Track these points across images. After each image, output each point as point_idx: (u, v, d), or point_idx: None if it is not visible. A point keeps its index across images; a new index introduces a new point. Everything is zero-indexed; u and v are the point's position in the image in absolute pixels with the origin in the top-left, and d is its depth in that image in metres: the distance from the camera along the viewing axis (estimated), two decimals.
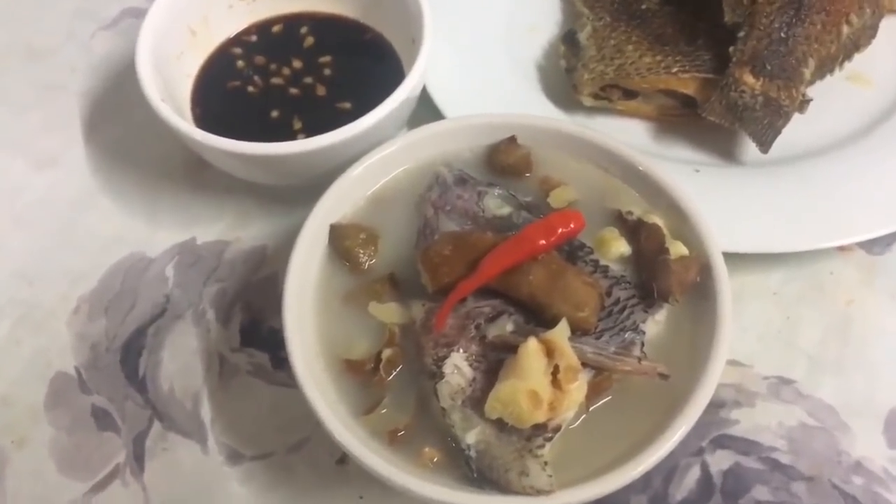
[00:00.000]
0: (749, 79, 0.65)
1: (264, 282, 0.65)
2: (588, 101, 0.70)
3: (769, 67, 0.65)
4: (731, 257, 0.60)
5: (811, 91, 0.68)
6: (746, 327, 0.62)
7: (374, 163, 0.60)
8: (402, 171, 0.61)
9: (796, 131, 0.67)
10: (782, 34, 0.65)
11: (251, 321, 0.64)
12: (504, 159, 0.60)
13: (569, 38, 0.73)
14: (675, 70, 0.67)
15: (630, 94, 0.70)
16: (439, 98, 0.69)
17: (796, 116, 0.67)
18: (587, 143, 0.60)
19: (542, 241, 0.51)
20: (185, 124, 0.61)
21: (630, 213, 0.57)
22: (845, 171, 0.66)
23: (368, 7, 0.73)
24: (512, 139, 0.60)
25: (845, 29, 0.67)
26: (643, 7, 0.74)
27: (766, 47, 0.65)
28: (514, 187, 0.59)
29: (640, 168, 0.58)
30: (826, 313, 0.62)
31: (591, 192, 0.59)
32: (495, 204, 0.58)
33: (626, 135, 0.70)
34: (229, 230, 0.69)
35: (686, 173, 0.66)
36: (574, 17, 0.75)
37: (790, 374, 0.60)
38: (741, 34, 0.66)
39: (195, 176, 0.71)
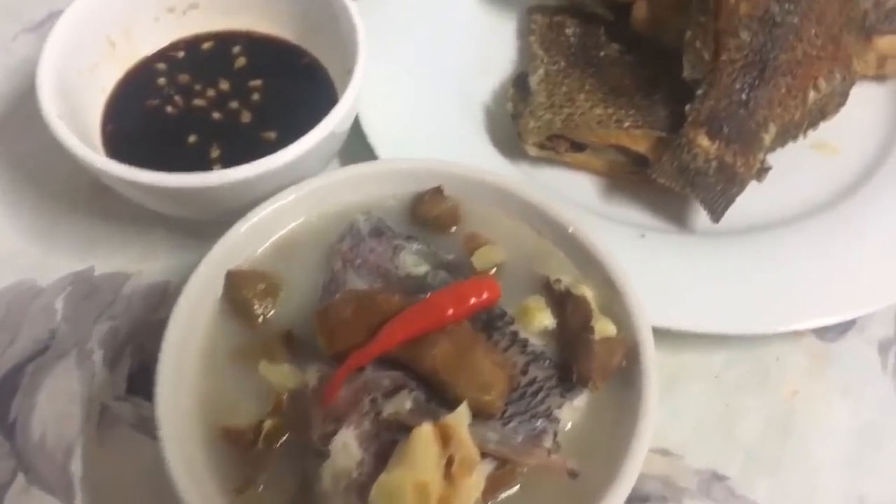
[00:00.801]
0: (704, 141, 0.60)
1: (161, 323, 0.59)
2: (533, 151, 0.65)
3: (726, 130, 0.60)
4: (671, 333, 0.56)
5: (771, 158, 0.64)
6: (681, 413, 0.56)
7: (284, 204, 0.54)
8: (316, 216, 0.55)
9: (753, 200, 0.62)
10: (743, 96, 0.61)
11: (141, 366, 0.58)
12: (427, 211, 0.54)
13: (519, 82, 0.68)
14: (626, 125, 0.62)
15: (578, 147, 0.64)
16: (372, 135, 0.64)
17: (753, 184, 0.62)
18: (519, 200, 0.54)
19: (451, 311, 0.46)
20: (80, 146, 0.55)
21: (558, 281, 0.52)
22: (803, 248, 0.60)
23: (307, 29, 0.67)
24: (437, 190, 0.55)
25: (812, 94, 0.63)
26: (602, 54, 0.69)
27: (724, 108, 0.60)
28: (436, 242, 0.54)
29: (573, 232, 0.53)
30: (768, 403, 0.57)
31: (519, 253, 0.54)
32: (412, 261, 0.52)
33: (572, 189, 0.65)
34: (132, 262, 0.63)
35: (631, 237, 0.61)
36: (529, 58, 0.70)
37: (724, 469, 0.54)
38: (699, 92, 0.61)
39: (100, 199, 0.65)
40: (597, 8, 0.70)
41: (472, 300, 0.46)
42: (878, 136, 0.68)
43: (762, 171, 0.63)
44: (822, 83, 0.63)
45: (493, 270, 0.53)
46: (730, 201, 0.60)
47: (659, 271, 0.59)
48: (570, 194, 0.64)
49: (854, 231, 0.61)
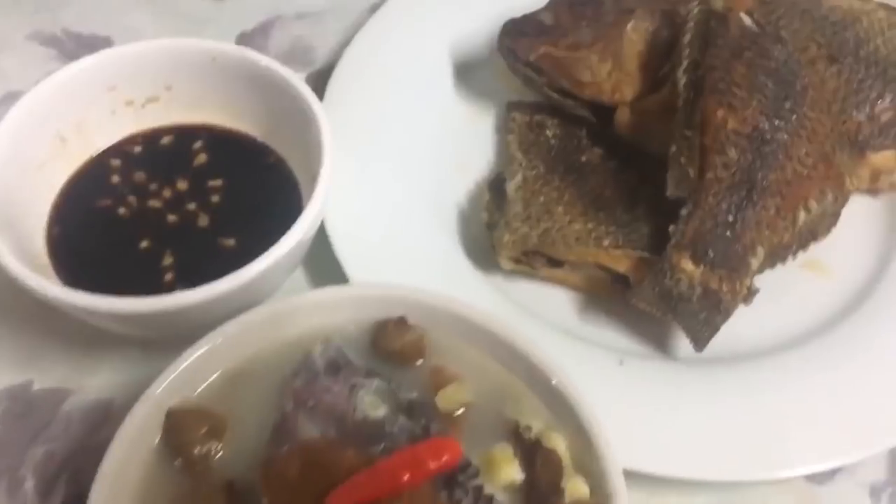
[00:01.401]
0: (688, 266, 0.56)
1: (101, 447, 0.54)
2: (507, 265, 0.61)
3: (712, 254, 0.57)
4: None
5: (760, 278, 0.60)
6: None
7: (237, 331, 0.50)
8: (270, 343, 0.51)
9: (739, 324, 0.59)
10: (730, 217, 0.57)
11: (77, 497, 0.53)
12: (389, 343, 0.50)
13: (496, 186, 0.65)
14: (606, 243, 0.59)
15: (555, 262, 0.61)
16: (339, 243, 0.60)
17: (741, 307, 0.59)
18: (489, 334, 0.50)
19: (407, 477, 0.42)
20: (15, 264, 0.51)
21: (528, 428, 0.48)
22: (791, 382, 0.57)
23: (273, 126, 0.64)
24: (401, 321, 0.51)
25: (802, 216, 0.59)
26: (583, 159, 0.66)
27: (709, 231, 0.57)
28: (399, 376, 0.49)
29: (545, 373, 0.49)
30: None
31: (489, 393, 0.50)
32: (370, 402, 0.48)
33: (548, 306, 0.61)
34: (73, 375, 0.58)
35: (609, 365, 0.57)
36: (507, 160, 0.67)
37: None
38: (684, 212, 0.58)
39: (43, 307, 0.60)
40: (579, 110, 0.67)
41: (430, 464, 0.42)
42: (871, 254, 0.65)
43: (749, 295, 0.59)
44: (812, 204, 0.59)
45: (460, 411, 0.49)
46: (714, 330, 0.57)
47: (637, 404, 0.55)
48: (545, 312, 0.61)
49: (846, 364, 0.58)
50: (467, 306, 0.52)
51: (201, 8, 0.82)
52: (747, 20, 0.62)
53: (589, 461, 0.46)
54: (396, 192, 0.65)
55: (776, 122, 0.59)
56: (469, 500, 0.45)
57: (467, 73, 0.74)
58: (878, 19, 0.68)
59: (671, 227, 0.58)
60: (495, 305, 0.60)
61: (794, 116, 0.60)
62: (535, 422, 0.48)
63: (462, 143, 0.70)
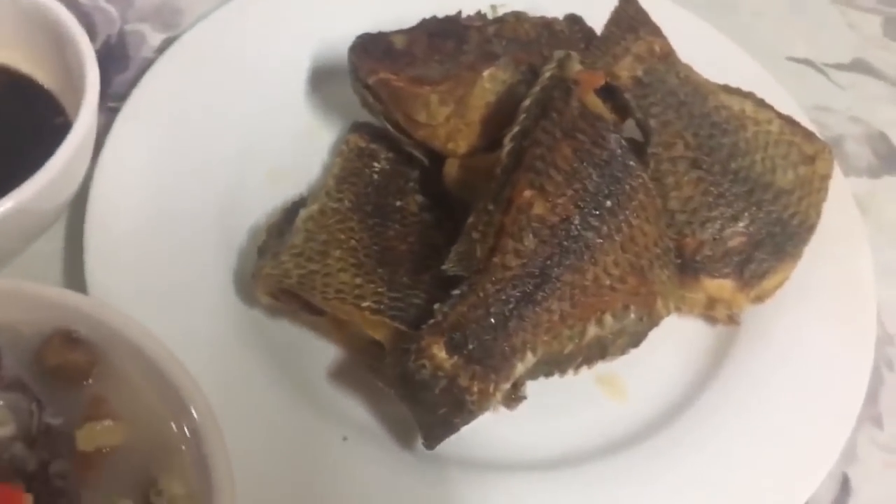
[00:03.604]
0: (440, 353, 0.49)
1: None
2: (264, 300, 0.55)
3: (471, 347, 0.50)
4: None
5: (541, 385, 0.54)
6: None
7: None
8: None
9: (507, 429, 0.53)
10: (506, 311, 0.50)
11: None
12: (50, 358, 0.44)
13: (289, 212, 0.58)
14: (365, 305, 0.52)
15: (317, 310, 0.55)
16: (90, 236, 0.55)
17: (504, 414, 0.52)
18: (164, 377, 0.44)
19: None
20: None
21: (160, 492, 0.42)
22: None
23: (67, 80, 0.57)
24: (67, 335, 0.45)
25: (593, 329, 0.52)
26: (398, 203, 0.59)
27: (476, 320, 0.50)
28: (55, 397, 0.44)
29: (204, 436, 0.43)
30: None
31: (143, 440, 0.43)
32: None
33: (302, 358, 0.55)
34: None
35: (331, 437, 0.51)
36: (319, 184, 0.61)
37: None
38: (456, 292, 0.51)
39: None
40: (413, 149, 0.61)
41: None
42: (675, 387, 0.58)
43: (514, 401, 0.53)
44: (607, 319, 0.52)
45: (105, 451, 0.43)
46: (451, 430, 0.50)
47: (334, 486, 0.49)
48: (295, 360, 0.55)
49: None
50: (153, 339, 0.45)
51: None
52: (592, 99, 0.54)
53: None
54: (181, 189, 0.59)
55: (589, 220, 0.52)
56: None
57: (330, 80, 0.67)
58: (766, 132, 0.61)
59: (436, 306, 0.51)
60: (237, 339, 0.54)
61: (613, 218, 0.53)
62: (177, 486, 0.42)
63: (292, 154, 0.64)
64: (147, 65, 0.66)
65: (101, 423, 0.43)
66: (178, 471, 0.43)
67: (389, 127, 0.60)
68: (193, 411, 0.43)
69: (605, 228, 0.52)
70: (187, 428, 0.44)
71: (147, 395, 0.45)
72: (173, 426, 0.44)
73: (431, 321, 0.50)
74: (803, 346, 0.59)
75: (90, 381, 0.45)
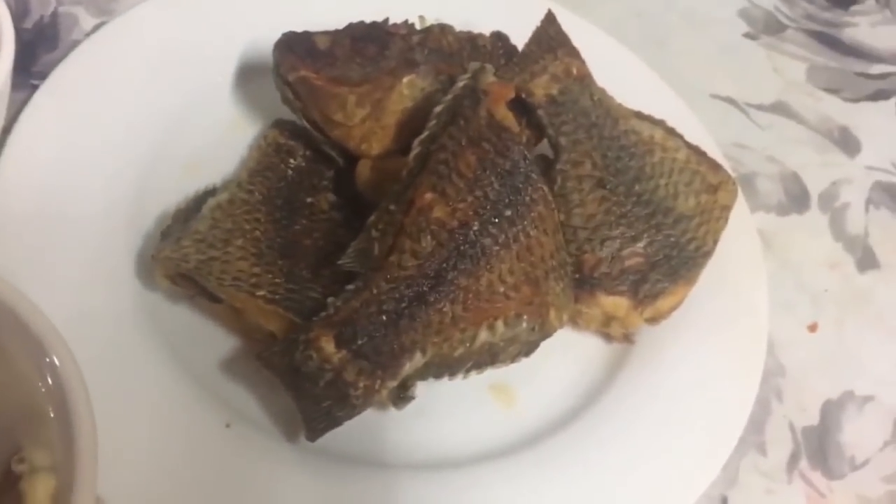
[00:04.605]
0: (328, 346, 0.50)
1: None
2: (162, 283, 0.55)
3: (360, 342, 0.50)
4: None
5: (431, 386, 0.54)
6: None
7: None
8: None
9: (393, 428, 0.54)
10: (398, 309, 0.51)
11: None
12: None
13: (199, 199, 0.59)
14: (260, 293, 0.53)
15: (215, 297, 0.55)
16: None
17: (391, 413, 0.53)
18: (35, 340, 0.44)
19: None
20: None
21: (21, 460, 0.41)
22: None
23: None
24: None
25: (484, 335, 0.53)
26: (308, 200, 0.60)
27: (367, 317, 0.51)
28: None
29: (73, 402, 0.43)
30: None
31: (10, 406, 0.43)
32: None
33: (198, 342, 0.55)
34: None
35: (213, 424, 0.51)
36: (232, 176, 0.61)
37: None
38: (350, 287, 0.52)
39: None
40: (329, 148, 0.61)
41: None
42: (565, 399, 0.59)
43: (402, 400, 0.53)
44: (500, 325, 0.53)
45: None
46: (334, 423, 0.51)
47: (214, 477, 0.49)
48: (184, 350, 0.55)
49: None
50: (21, 298, 0.43)
51: None
52: (501, 111, 0.56)
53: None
54: (93, 170, 0.59)
55: (488, 227, 0.53)
56: None
57: (254, 77, 0.68)
58: (672, 159, 0.62)
59: (329, 299, 0.52)
60: (132, 321, 0.54)
61: (511, 227, 0.54)
62: (40, 456, 0.42)
63: (211, 147, 0.64)
64: (75, 47, 0.66)
65: None
66: (44, 441, 0.43)
67: (307, 124, 0.61)
68: (60, 373, 0.43)
69: (502, 237, 0.53)
70: (54, 392, 0.43)
71: (16, 360, 0.45)
72: (42, 391, 0.44)
73: (323, 314, 0.51)
74: (693, 368, 0.60)
75: None
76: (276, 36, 0.62)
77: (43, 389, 0.43)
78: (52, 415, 0.43)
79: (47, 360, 0.43)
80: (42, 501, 0.40)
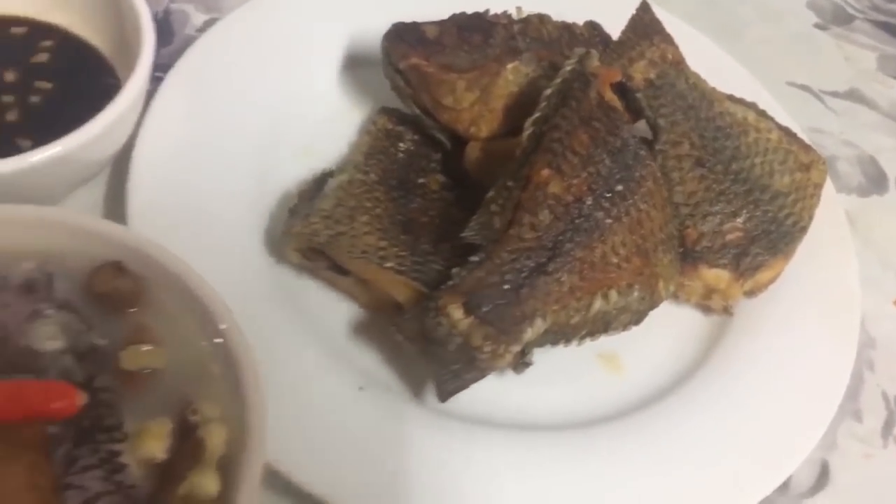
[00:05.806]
0: (456, 312, 0.53)
1: None
2: (294, 258, 0.58)
3: (485, 310, 0.53)
4: None
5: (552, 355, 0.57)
6: None
7: None
8: None
9: (512, 392, 0.57)
10: (519, 279, 0.54)
11: None
12: (100, 285, 0.48)
13: (319, 180, 0.62)
14: (388, 265, 0.56)
15: (342, 270, 0.58)
16: (133, 189, 0.58)
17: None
18: (203, 307, 0.48)
19: None
20: None
21: (195, 411, 0.45)
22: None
23: (122, 48, 0.62)
24: (117, 264, 0.48)
25: (599, 303, 0.56)
26: (420, 181, 0.63)
27: (492, 286, 0.54)
28: (102, 322, 0.47)
29: (239, 363, 0.46)
30: None
31: (182, 365, 0.47)
32: (47, 332, 0.45)
33: (323, 314, 0.59)
34: None
35: (346, 386, 0.54)
36: (347, 158, 0.65)
37: None
38: (474, 258, 0.55)
39: None
40: (437, 132, 0.65)
41: (35, 407, 0.39)
42: (670, 368, 0.62)
43: (522, 365, 0.56)
44: (613, 295, 0.56)
45: (146, 373, 0.47)
46: (463, 385, 0.54)
47: (350, 432, 0.53)
48: (315, 320, 0.58)
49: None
50: (192, 271, 0.49)
51: None
52: (608, 93, 0.59)
53: (238, 456, 0.44)
54: (218, 155, 0.62)
55: (601, 201, 0.56)
56: (92, 459, 0.42)
57: (359, 68, 0.72)
58: (766, 139, 0.65)
59: (455, 270, 0.55)
60: (266, 294, 0.57)
61: (623, 201, 0.57)
62: (210, 408, 0.46)
63: (325, 131, 0.68)
64: (189, 41, 0.70)
65: (143, 349, 0.47)
66: (214, 396, 0.46)
67: (417, 109, 0.64)
68: (227, 337, 0.47)
69: (614, 210, 0.56)
70: (222, 354, 0.47)
71: (186, 326, 0.48)
72: (210, 354, 0.48)
73: (450, 283, 0.54)
74: (791, 339, 0.63)
75: (135, 309, 0.49)
76: (378, 29, 0.66)
77: (210, 350, 0.47)
78: (218, 372, 0.47)
79: (214, 324, 0.47)
80: (219, 447, 0.44)
